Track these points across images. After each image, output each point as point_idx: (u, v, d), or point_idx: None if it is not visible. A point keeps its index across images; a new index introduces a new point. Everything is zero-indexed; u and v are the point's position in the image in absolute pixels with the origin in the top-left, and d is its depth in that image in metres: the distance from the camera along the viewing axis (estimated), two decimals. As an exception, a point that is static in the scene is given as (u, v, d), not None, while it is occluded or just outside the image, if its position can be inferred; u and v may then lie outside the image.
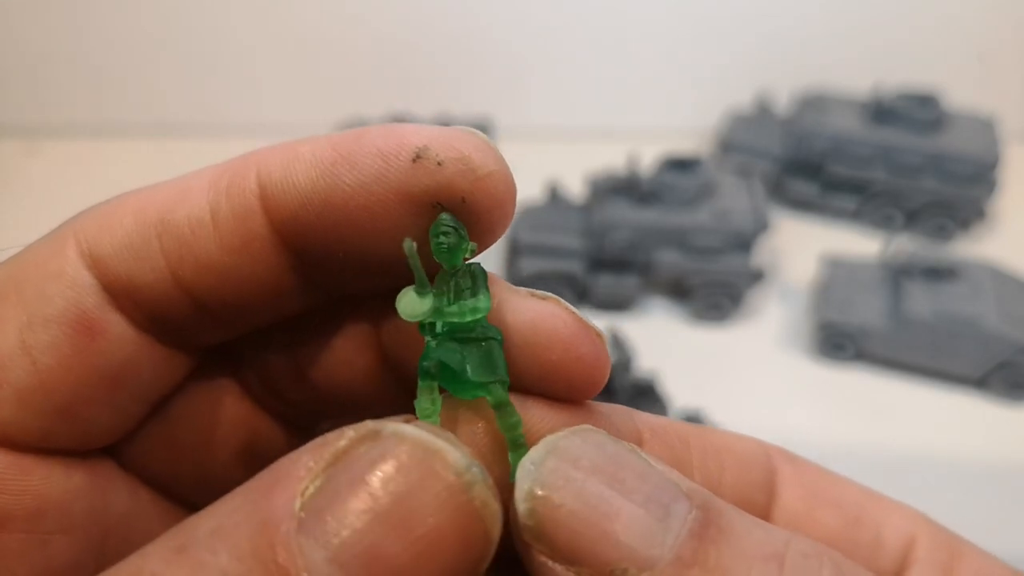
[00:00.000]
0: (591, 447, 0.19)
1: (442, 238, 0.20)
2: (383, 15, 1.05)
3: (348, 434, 0.18)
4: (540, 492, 0.18)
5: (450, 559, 0.17)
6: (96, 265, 0.20)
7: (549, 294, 0.22)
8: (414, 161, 0.19)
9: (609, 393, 0.75)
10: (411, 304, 0.20)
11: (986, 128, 0.94)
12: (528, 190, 0.96)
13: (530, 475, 0.19)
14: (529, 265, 0.84)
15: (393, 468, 0.17)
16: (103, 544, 0.22)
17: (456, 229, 0.20)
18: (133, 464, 0.24)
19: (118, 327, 0.21)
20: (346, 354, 0.24)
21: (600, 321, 0.87)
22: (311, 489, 0.17)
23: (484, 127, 0.99)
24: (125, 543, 0.23)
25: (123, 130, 1.11)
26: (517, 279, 0.86)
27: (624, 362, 0.74)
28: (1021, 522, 0.69)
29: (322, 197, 0.20)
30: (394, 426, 0.18)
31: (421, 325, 0.21)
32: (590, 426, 0.20)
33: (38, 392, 0.20)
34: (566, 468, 0.18)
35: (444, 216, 0.20)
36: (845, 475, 0.24)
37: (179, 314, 0.21)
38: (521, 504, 0.18)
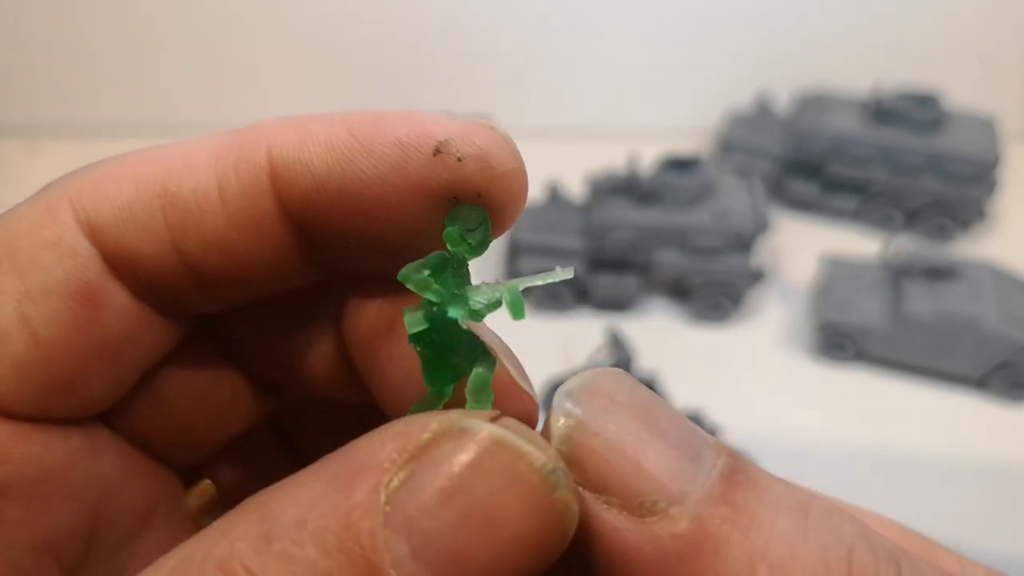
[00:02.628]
0: (626, 387, 0.19)
1: (474, 231, 0.20)
2: (384, 15, 1.05)
3: (432, 426, 0.18)
4: (575, 419, 0.18)
5: (530, 557, 0.17)
6: (95, 234, 0.20)
7: (495, 347, 0.21)
8: (434, 155, 0.19)
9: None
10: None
11: (986, 128, 0.94)
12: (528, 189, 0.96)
13: (566, 402, 0.19)
14: (529, 265, 0.84)
15: (479, 468, 0.17)
16: (97, 509, 0.22)
17: (485, 223, 0.20)
18: (122, 427, 0.24)
19: (118, 297, 0.21)
20: (314, 339, 0.24)
21: (600, 321, 0.87)
22: (395, 482, 0.17)
23: (484, 127, 0.99)
24: (117, 507, 0.23)
25: (123, 130, 1.11)
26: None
27: (624, 362, 0.74)
28: (1021, 522, 0.69)
29: (337, 183, 0.20)
30: (479, 424, 0.18)
31: (436, 310, 0.20)
32: (620, 371, 0.20)
33: (38, 364, 0.20)
34: (603, 400, 0.19)
35: (474, 209, 0.20)
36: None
37: (179, 285, 0.21)
38: (556, 429, 0.18)
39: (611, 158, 0.90)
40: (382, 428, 0.18)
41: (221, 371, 0.25)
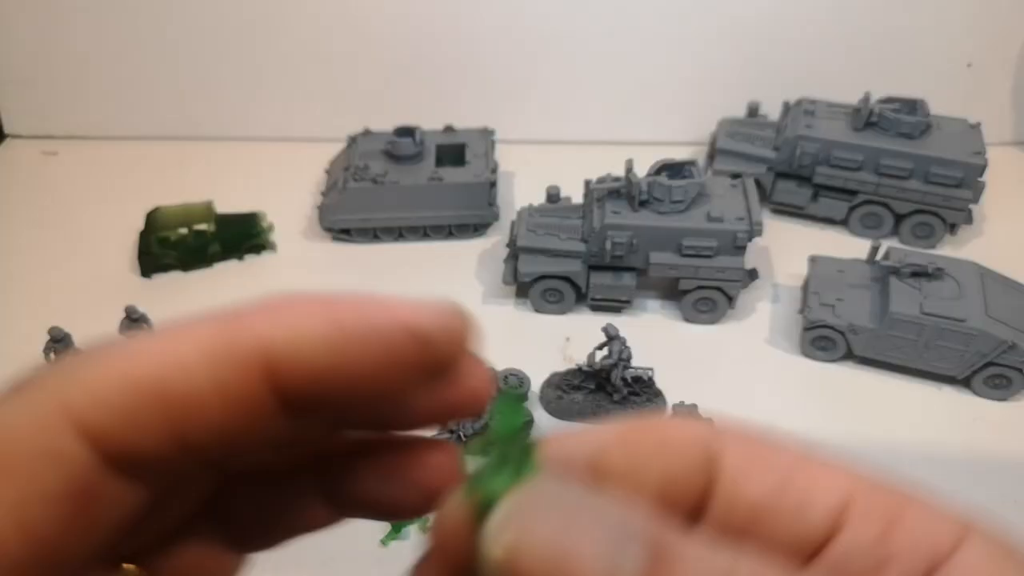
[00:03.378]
0: (550, 494, 0.21)
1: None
2: (389, 32, 1.07)
3: None
4: (507, 541, 0.20)
5: None
6: (93, 439, 0.21)
7: None
8: (412, 342, 0.22)
9: (607, 392, 0.78)
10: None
11: (973, 134, 0.96)
12: (528, 194, 0.98)
13: (498, 527, 0.20)
14: (530, 267, 0.87)
15: None
16: None
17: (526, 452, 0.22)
18: None
19: (116, 489, 0.21)
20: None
21: (599, 320, 0.89)
22: None
23: (488, 135, 1.02)
24: None
25: (133, 134, 1.14)
26: (518, 280, 0.88)
27: (624, 360, 0.77)
28: (1005, 517, 0.71)
29: (329, 375, 0.22)
30: None
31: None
32: (545, 475, 0.21)
33: (36, 562, 0.21)
34: (527, 516, 0.20)
35: (515, 396, 0.23)
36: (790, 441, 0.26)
37: (177, 470, 0.22)
38: (492, 552, 0.20)
39: (609, 163, 0.92)
40: None
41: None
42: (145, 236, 0.93)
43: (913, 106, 0.96)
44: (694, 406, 0.73)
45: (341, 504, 0.26)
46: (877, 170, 0.95)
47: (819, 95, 1.01)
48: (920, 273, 0.81)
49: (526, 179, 1.06)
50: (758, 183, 0.97)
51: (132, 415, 0.21)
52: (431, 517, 0.24)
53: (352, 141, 1.01)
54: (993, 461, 0.76)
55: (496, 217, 0.98)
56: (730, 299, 0.87)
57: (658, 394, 0.79)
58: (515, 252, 0.89)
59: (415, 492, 0.26)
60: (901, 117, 0.94)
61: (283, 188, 1.04)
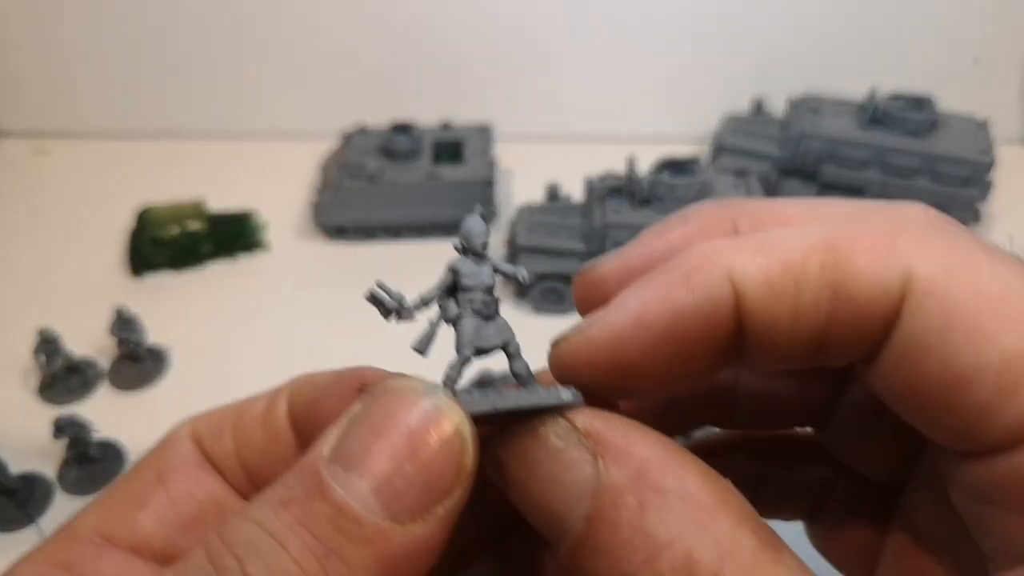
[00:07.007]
0: None
1: None
2: (385, 25, 1.06)
3: None
4: None
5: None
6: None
7: None
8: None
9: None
10: None
11: (980, 131, 0.95)
12: (528, 192, 0.98)
13: None
14: (528, 266, 0.86)
15: None
16: None
17: None
18: None
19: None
20: None
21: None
22: None
23: (486, 131, 1.01)
24: None
25: (128, 133, 1.13)
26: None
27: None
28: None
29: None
30: None
31: None
32: None
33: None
34: None
35: None
36: None
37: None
38: None
39: (610, 161, 0.91)
40: None
41: None
42: (137, 236, 0.92)
43: (920, 103, 0.95)
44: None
45: None
46: (883, 167, 0.94)
47: (825, 91, 1.01)
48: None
49: (525, 177, 1.05)
50: (763, 180, 0.97)
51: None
52: None
53: (348, 138, 1.00)
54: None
55: (495, 215, 0.97)
56: (734, 299, 0.85)
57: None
58: (514, 251, 0.88)
59: None
60: (908, 114, 0.93)
61: (277, 186, 1.04)
